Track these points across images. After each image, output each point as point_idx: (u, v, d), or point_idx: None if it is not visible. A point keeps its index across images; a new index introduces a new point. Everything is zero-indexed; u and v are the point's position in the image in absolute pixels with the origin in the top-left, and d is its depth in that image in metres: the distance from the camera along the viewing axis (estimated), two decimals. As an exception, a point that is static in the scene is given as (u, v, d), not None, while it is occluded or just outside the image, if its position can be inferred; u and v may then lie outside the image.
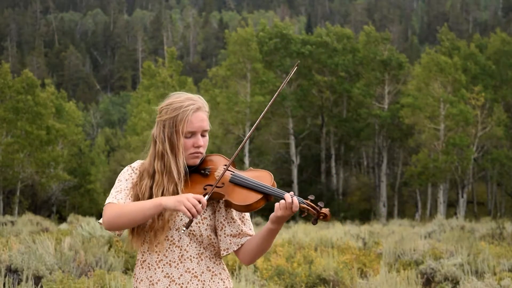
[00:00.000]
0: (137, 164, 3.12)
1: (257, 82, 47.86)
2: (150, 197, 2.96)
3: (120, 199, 2.96)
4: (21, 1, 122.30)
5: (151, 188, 2.99)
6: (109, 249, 11.12)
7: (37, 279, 8.61)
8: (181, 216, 2.93)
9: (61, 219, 41.68)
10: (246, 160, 46.43)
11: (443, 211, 44.98)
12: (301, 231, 18.21)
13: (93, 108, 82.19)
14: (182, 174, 2.97)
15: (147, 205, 2.83)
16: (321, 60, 50.85)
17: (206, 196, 2.86)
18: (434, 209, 48.41)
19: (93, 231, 12.91)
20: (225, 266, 3.04)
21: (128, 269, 10.76)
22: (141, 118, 45.88)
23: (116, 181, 3.06)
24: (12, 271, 8.74)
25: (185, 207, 2.76)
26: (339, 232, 18.61)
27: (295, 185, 48.68)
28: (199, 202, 2.80)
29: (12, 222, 23.51)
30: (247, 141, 48.30)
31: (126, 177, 3.05)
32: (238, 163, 46.39)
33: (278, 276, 9.76)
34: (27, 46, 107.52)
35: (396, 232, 20.27)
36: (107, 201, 2.97)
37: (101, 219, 2.95)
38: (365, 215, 47.82)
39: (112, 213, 2.89)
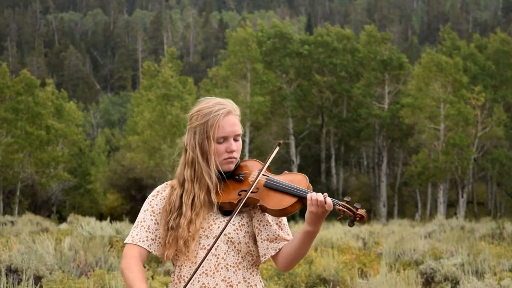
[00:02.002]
0: (163, 185, 3.03)
1: (257, 82, 47.86)
2: (181, 206, 2.91)
3: (135, 236, 2.91)
4: (21, 1, 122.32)
5: (181, 196, 2.93)
6: (109, 249, 11.12)
7: (37, 279, 8.61)
8: (218, 224, 2.88)
9: (61, 219, 41.69)
10: (246, 160, 46.41)
11: (443, 211, 44.98)
12: (301, 231, 18.17)
13: (93, 108, 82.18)
14: (215, 181, 2.91)
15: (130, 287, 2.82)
16: (320, 60, 50.84)
17: (241, 203, 2.83)
18: (434, 209, 48.40)
19: (93, 231, 12.92)
20: (261, 278, 2.98)
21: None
22: (142, 118, 45.88)
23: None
24: (12, 271, 8.74)
25: None
26: (339, 232, 18.61)
27: (295, 185, 48.62)
28: None
29: (12, 222, 23.50)
30: (249, 142, 48.41)
31: (145, 207, 2.98)
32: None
33: (278, 276, 9.77)
34: (27, 46, 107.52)
35: (396, 232, 20.27)
36: (126, 240, 2.94)
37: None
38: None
39: (123, 265, 2.88)
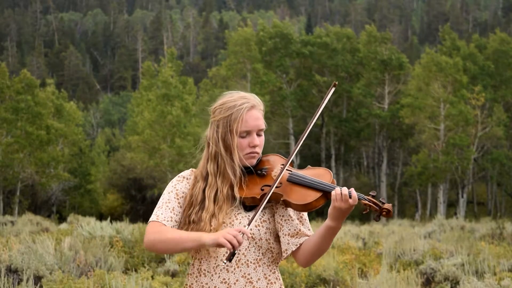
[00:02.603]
0: (188, 171, 3.01)
1: (257, 82, 47.86)
2: (203, 200, 2.89)
3: (160, 215, 2.88)
4: (21, 1, 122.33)
5: (204, 190, 2.91)
6: (109, 249, 11.12)
7: (37, 279, 8.61)
8: (240, 219, 2.86)
9: (61, 219, 41.67)
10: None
11: (443, 211, 44.97)
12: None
13: (93, 108, 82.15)
14: (238, 175, 2.89)
15: (187, 239, 2.76)
16: (321, 60, 50.85)
17: (252, 224, 2.78)
18: (434, 209, 48.41)
19: (93, 231, 12.92)
20: (280, 276, 2.94)
21: (128, 269, 10.76)
22: (142, 118, 45.88)
23: (161, 195, 2.98)
24: (12, 271, 8.74)
25: (225, 239, 2.69)
26: (339, 232, 18.61)
27: (295, 185, 48.64)
28: (240, 232, 2.72)
29: (12, 222, 23.50)
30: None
31: (170, 189, 2.95)
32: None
33: (278, 276, 9.74)
34: (27, 46, 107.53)
35: (396, 232, 20.25)
36: (150, 219, 2.90)
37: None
38: (365, 215, 47.82)
39: (152, 236, 2.83)
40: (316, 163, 54.41)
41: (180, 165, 41.70)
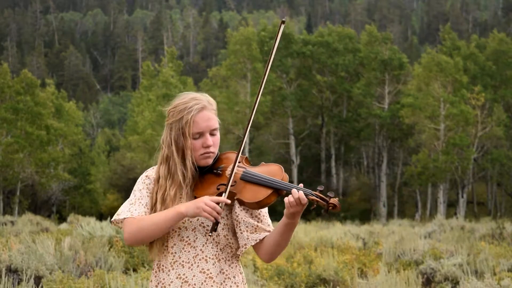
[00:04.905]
0: (151, 170, 3.03)
1: (257, 82, 47.85)
2: (156, 201, 2.92)
3: (134, 211, 2.90)
4: (21, 1, 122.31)
5: (156, 193, 2.94)
6: (109, 249, 11.11)
7: (37, 279, 8.61)
8: (197, 217, 2.88)
9: (61, 219, 41.67)
10: (246, 160, 46.39)
11: (443, 211, 44.97)
12: (301, 231, 18.22)
13: (93, 108, 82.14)
14: (189, 177, 2.92)
15: (167, 216, 2.80)
16: (321, 60, 50.85)
17: (224, 195, 2.83)
18: (434, 209, 48.40)
19: (93, 231, 12.91)
20: (241, 269, 2.99)
21: (128, 269, 10.76)
22: (142, 118, 45.88)
23: (132, 192, 3.00)
24: (12, 271, 8.74)
25: (206, 212, 2.74)
26: (339, 232, 18.62)
27: (295, 185, 48.62)
28: (218, 203, 2.77)
29: (12, 222, 23.49)
30: (247, 141, 48.34)
31: (140, 186, 2.97)
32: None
33: (278, 276, 9.77)
34: (27, 46, 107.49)
35: (396, 232, 20.26)
36: (122, 216, 2.91)
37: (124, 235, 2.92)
38: (365, 215, 47.82)
39: (132, 228, 2.85)
40: (316, 163, 54.45)
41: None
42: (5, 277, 8.12)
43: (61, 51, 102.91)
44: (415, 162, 46.56)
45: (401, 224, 31.00)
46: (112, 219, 2.96)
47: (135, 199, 2.94)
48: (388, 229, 23.08)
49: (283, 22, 2.87)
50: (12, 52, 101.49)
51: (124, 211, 2.92)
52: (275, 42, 2.87)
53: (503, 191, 52.93)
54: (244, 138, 2.96)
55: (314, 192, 2.81)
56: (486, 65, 50.29)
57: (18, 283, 8.40)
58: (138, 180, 3.01)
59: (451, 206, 50.83)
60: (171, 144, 2.93)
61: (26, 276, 8.34)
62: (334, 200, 2.78)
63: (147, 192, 2.96)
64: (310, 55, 50.52)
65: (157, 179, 2.95)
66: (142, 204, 2.92)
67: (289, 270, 9.88)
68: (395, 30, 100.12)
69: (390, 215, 48.85)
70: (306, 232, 17.91)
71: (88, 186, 50.09)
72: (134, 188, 2.98)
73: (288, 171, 51.81)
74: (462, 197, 46.54)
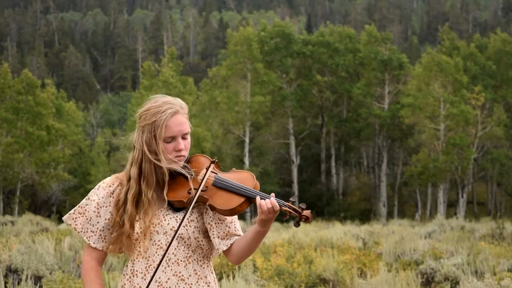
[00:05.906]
0: (110, 179, 3.03)
1: (257, 82, 47.83)
2: (125, 203, 2.94)
3: (89, 237, 2.97)
4: (21, 1, 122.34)
5: (126, 193, 2.96)
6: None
7: (37, 279, 8.61)
8: (168, 220, 2.92)
9: (61, 219, 41.64)
10: (246, 160, 46.42)
11: (443, 211, 44.97)
12: (301, 231, 18.22)
13: (93, 108, 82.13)
14: (162, 179, 2.95)
15: None
16: (321, 60, 50.85)
17: (194, 201, 2.86)
18: (434, 209, 48.39)
19: (93, 231, 12.88)
20: (212, 269, 3.04)
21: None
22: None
23: (88, 200, 3.02)
24: (12, 271, 8.74)
25: None
26: (339, 232, 18.62)
27: (295, 185, 48.68)
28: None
29: (12, 222, 23.49)
30: (249, 142, 48.35)
31: (93, 197, 3.00)
32: (238, 163, 46.38)
33: (278, 276, 9.76)
34: (27, 46, 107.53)
35: (396, 232, 20.25)
36: (78, 228, 2.97)
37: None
38: (365, 215, 47.83)
39: (83, 269, 2.98)
40: (316, 163, 54.45)
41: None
42: (5, 277, 8.12)
43: (61, 51, 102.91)
44: (415, 162, 46.56)
45: (401, 224, 30.99)
46: (68, 223, 3.00)
47: (89, 217, 2.98)
48: (388, 229, 23.08)
49: (212, 162, 2.97)
50: (12, 52, 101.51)
51: (80, 227, 2.98)
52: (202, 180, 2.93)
53: (503, 191, 52.93)
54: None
55: (287, 203, 2.85)
56: (486, 65, 50.29)
57: (18, 283, 8.40)
58: (94, 190, 3.01)
59: (451, 206, 50.83)
60: (143, 146, 2.94)
61: (26, 276, 8.34)
62: (307, 212, 2.81)
63: (96, 206, 2.97)
64: (310, 55, 50.51)
65: (128, 180, 2.98)
66: (93, 225, 2.97)
67: (289, 270, 9.88)
68: (395, 30, 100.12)
69: (390, 215, 48.84)
70: (306, 232, 17.91)
71: (88, 186, 50.06)
72: (93, 197, 2.99)
73: (288, 171, 51.81)
74: (462, 197, 46.54)
